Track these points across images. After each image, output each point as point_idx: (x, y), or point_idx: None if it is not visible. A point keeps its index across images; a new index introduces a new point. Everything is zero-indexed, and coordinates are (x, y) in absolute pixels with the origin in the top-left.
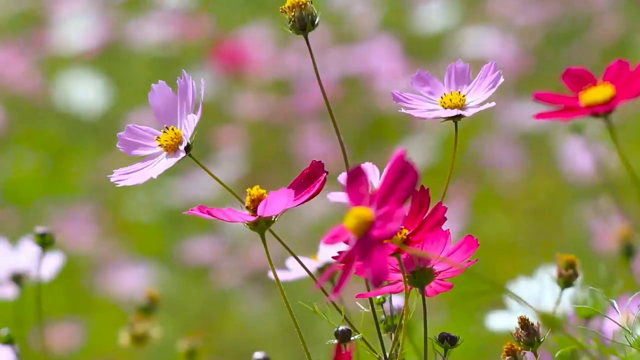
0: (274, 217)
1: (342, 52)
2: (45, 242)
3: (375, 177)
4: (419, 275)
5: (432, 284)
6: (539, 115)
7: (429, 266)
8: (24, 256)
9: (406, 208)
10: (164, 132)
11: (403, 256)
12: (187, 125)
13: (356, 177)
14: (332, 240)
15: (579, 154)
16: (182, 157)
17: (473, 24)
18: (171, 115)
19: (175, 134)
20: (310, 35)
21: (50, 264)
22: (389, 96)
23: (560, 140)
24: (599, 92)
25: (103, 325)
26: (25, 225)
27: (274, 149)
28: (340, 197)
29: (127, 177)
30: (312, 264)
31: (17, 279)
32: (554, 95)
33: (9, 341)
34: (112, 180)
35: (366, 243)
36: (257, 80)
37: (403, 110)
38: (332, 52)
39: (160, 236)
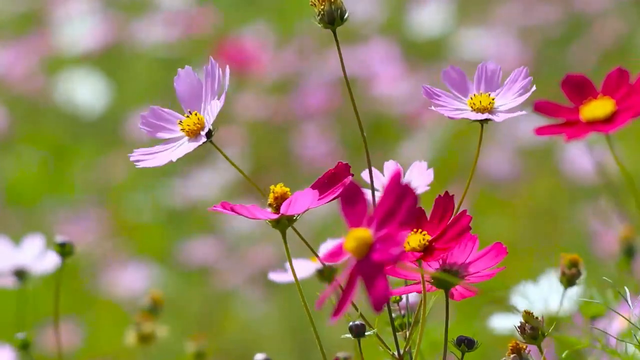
0: (296, 215)
1: (343, 54)
2: (65, 252)
3: (380, 180)
4: (444, 278)
5: (458, 287)
6: (539, 131)
7: (454, 269)
8: (27, 254)
9: (417, 223)
10: (187, 117)
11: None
12: (210, 111)
13: (353, 195)
14: (330, 258)
15: (579, 155)
16: (203, 143)
17: (473, 26)
18: (195, 101)
19: (198, 119)
20: (311, 36)
21: (53, 261)
22: (388, 98)
23: (560, 142)
24: (599, 108)
25: (103, 325)
26: (27, 225)
27: (275, 149)
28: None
29: (147, 157)
30: (312, 267)
31: (20, 274)
32: (555, 106)
33: (24, 345)
34: (131, 159)
35: (366, 266)
36: (258, 80)
37: (433, 108)
38: (331, 53)
39: (161, 236)
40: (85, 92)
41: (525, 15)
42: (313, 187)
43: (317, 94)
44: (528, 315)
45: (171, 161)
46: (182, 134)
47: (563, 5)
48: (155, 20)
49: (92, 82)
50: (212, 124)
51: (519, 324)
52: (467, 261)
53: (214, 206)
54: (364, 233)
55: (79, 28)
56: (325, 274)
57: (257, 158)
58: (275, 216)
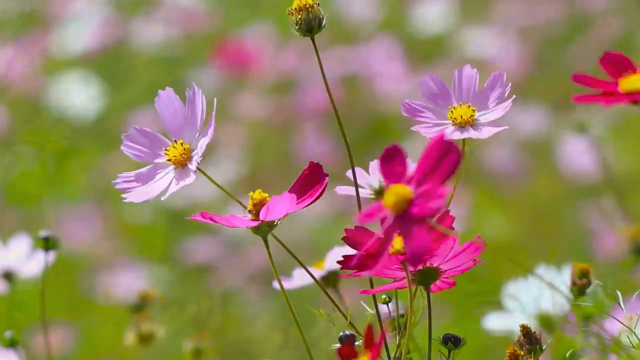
0: (276, 221)
1: (343, 53)
2: (49, 246)
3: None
4: (425, 274)
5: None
6: (578, 98)
7: (435, 265)
8: (15, 254)
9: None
10: (173, 146)
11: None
12: (200, 146)
13: (393, 155)
14: (368, 217)
15: (580, 154)
16: (192, 180)
17: (474, 25)
18: (178, 124)
19: (185, 149)
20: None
21: (47, 260)
22: (390, 97)
23: (560, 140)
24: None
25: (103, 325)
26: (27, 226)
27: (275, 149)
28: (348, 190)
29: (133, 187)
30: (317, 273)
31: (8, 276)
32: (593, 79)
33: (12, 344)
34: (117, 187)
35: (405, 221)
36: (259, 80)
37: (414, 128)
38: (332, 53)
39: (161, 237)
40: (86, 92)
41: (526, 14)
42: (290, 191)
43: (317, 94)
44: (525, 329)
45: (160, 198)
46: (166, 161)
47: (564, 5)
48: (155, 20)
49: (92, 82)
50: (201, 159)
51: (517, 340)
52: (447, 258)
53: (193, 215)
54: (404, 189)
55: (79, 28)
56: (330, 280)
57: (257, 158)
58: (254, 223)
